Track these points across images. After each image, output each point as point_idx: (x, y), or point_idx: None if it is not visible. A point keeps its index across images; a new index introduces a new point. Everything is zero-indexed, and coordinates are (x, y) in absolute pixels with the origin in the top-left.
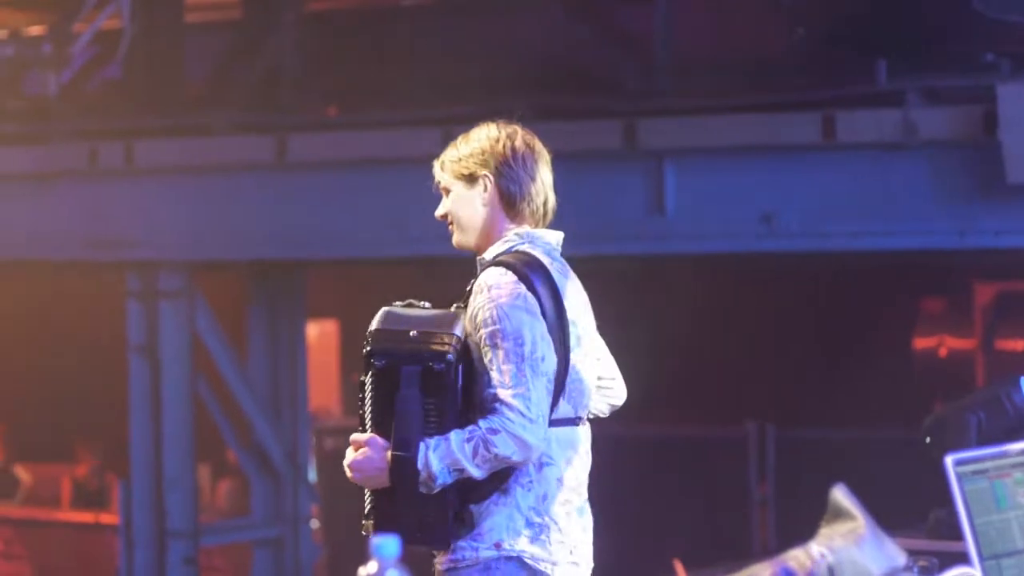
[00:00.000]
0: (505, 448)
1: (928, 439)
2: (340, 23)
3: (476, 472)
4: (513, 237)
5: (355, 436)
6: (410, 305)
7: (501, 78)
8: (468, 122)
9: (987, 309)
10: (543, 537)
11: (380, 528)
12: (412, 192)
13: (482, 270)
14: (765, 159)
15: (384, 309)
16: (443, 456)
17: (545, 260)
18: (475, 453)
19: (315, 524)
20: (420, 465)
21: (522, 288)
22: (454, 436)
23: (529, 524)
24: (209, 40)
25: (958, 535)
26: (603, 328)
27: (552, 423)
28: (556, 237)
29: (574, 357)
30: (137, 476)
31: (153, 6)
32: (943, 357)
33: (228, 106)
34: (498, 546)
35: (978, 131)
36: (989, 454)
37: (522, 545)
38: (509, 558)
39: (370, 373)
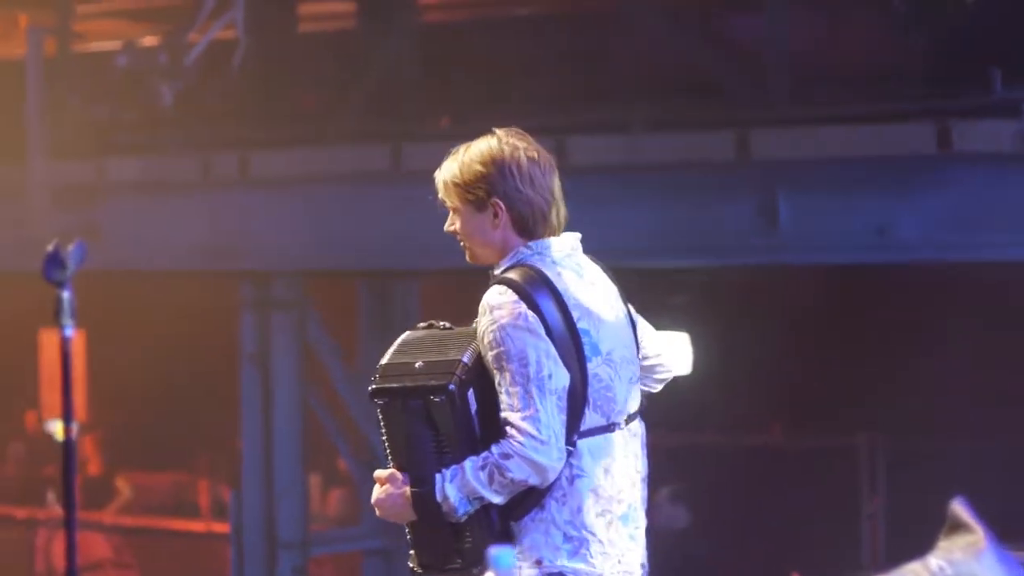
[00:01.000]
0: (519, 472)
1: None
2: (454, 33)
3: (495, 498)
4: (523, 250)
5: (377, 473)
6: (431, 327)
7: (613, 88)
8: (580, 132)
9: None
10: (583, 551)
11: (422, 560)
12: None
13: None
14: (879, 170)
15: (401, 338)
16: (460, 486)
17: (551, 272)
18: (491, 480)
19: None
20: (439, 498)
21: (523, 307)
22: (468, 465)
23: (567, 539)
24: (323, 50)
25: None
26: (711, 339)
27: (581, 435)
28: (571, 241)
29: (592, 366)
30: (248, 485)
31: (267, 16)
32: None
33: (342, 116)
34: (539, 563)
35: None
36: None
37: (562, 561)
38: (551, 574)
39: (378, 409)
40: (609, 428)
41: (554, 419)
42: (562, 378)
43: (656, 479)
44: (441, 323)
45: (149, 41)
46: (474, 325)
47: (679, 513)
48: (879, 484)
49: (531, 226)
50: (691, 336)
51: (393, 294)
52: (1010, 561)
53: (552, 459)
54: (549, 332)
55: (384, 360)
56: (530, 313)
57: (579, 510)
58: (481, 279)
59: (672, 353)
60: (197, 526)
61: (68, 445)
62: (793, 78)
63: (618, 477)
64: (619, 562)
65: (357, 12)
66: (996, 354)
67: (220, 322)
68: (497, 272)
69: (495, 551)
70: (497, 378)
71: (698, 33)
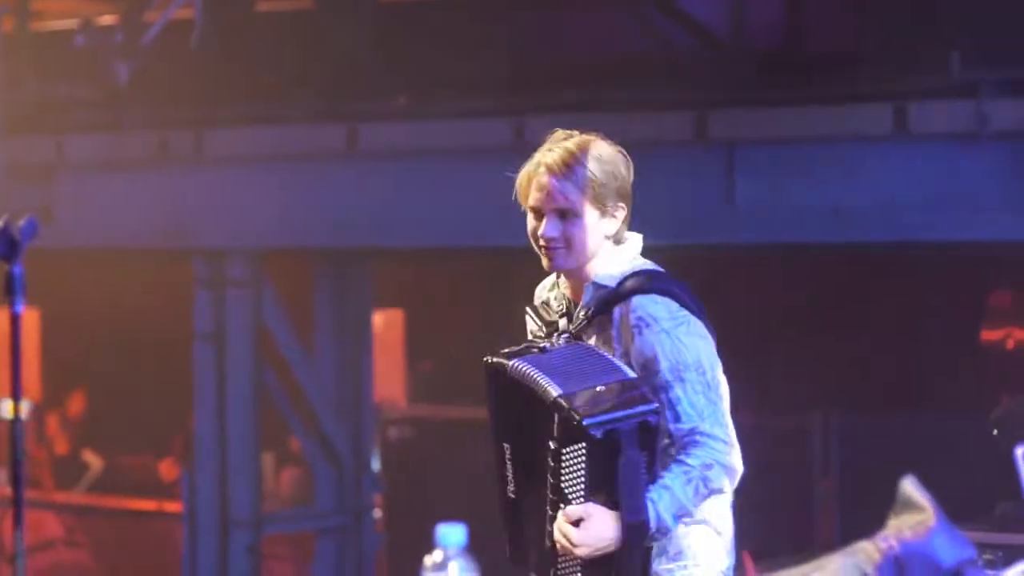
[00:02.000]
0: (719, 480)
1: (996, 431)
2: (412, 12)
3: (695, 511)
4: (631, 253)
5: (571, 510)
6: (526, 350)
7: (571, 69)
8: (538, 112)
9: None
10: (730, 548)
11: None
12: (481, 182)
13: (601, 296)
14: (836, 150)
15: (523, 366)
16: (670, 507)
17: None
18: (695, 493)
19: (378, 514)
20: (654, 524)
21: (685, 312)
22: (673, 482)
23: (719, 533)
24: (280, 29)
25: None
26: None
27: None
28: (640, 239)
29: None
30: (201, 465)
31: None
32: (1010, 349)
33: (299, 95)
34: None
35: None
36: None
37: (723, 562)
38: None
39: (580, 443)
40: None
41: (731, 423)
42: (725, 383)
43: None
44: (540, 344)
45: (106, 20)
46: (561, 338)
47: None
48: (832, 464)
49: (624, 232)
50: None
51: (346, 273)
52: (959, 539)
53: (740, 462)
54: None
55: (557, 392)
56: (694, 319)
57: (723, 508)
58: (434, 260)
59: None
60: (149, 505)
61: (16, 424)
62: (752, 60)
63: None
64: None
65: None
66: (948, 333)
67: (177, 300)
68: (608, 280)
69: (443, 529)
70: (673, 391)
71: (657, 14)
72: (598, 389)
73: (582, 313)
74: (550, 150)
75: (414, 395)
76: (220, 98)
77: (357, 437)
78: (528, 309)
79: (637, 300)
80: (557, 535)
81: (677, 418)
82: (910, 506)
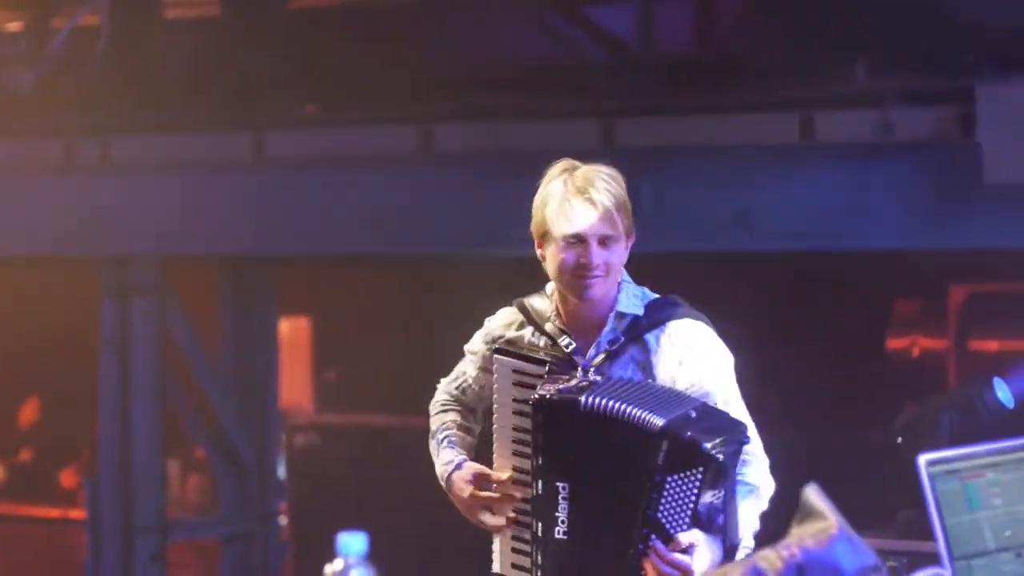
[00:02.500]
0: (768, 496)
1: (900, 439)
2: (320, 20)
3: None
4: (627, 279)
5: (683, 537)
6: (580, 385)
7: (479, 77)
8: (446, 120)
9: (961, 310)
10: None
11: None
12: (388, 190)
13: (630, 323)
14: (742, 159)
15: (595, 399)
16: (750, 526)
17: None
18: (758, 510)
19: (284, 521)
20: (745, 542)
21: (717, 336)
22: (746, 505)
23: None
24: (188, 37)
25: (928, 535)
26: None
27: None
28: None
29: None
30: (105, 471)
31: (132, 2)
32: (916, 357)
33: (206, 103)
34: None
35: (956, 132)
36: (961, 455)
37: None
38: None
39: (699, 468)
40: None
41: None
42: None
43: None
44: (590, 378)
45: (12, 27)
46: (595, 368)
47: None
48: None
49: None
50: None
51: (252, 281)
52: (861, 547)
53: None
54: None
55: (658, 421)
56: (722, 342)
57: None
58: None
59: None
60: (53, 512)
61: None
62: (660, 68)
63: None
64: None
65: None
66: (854, 341)
67: (83, 308)
68: (631, 310)
69: (344, 537)
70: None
71: (565, 21)
72: (692, 415)
73: (610, 347)
74: (574, 177)
75: (321, 403)
76: (126, 105)
77: (262, 445)
78: (499, 348)
79: (676, 326)
80: (665, 568)
81: None
82: (812, 514)
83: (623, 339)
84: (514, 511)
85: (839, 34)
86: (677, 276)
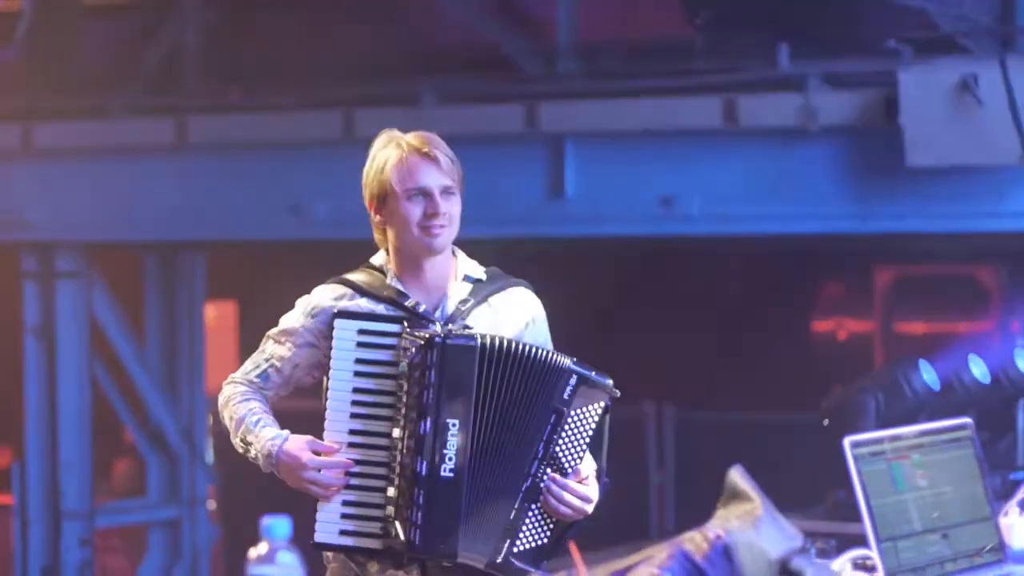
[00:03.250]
0: None
1: (827, 421)
2: (242, 4)
3: None
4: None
5: (583, 468)
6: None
7: (401, 61)
8: (369, 104)
9: (886, 293)
10: None
11: (545, 557)
12: (312, 174)
13: (476, 287)
14: (666, 143)
15: (502, 340)
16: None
17: None
18: None
19: (212, 505)
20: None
21: None
22: None
23: None
24: (109, 21)
25: (857, 516)
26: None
27: None
28: None
29: None
30: (32, 457)
31: None
32: (842, 340)
33: (128, 88)
34: None
35: (879, 116)
36: (887, 436)
37: None
38: None
39: (602, 403)
40: None
41: None
42: None
43: None
44: (469, 331)
45: None
46: (455, 327)
47: None
48: (667, 454)
49: None
50: None
51: (178, 266)
52: (786, 529)
53: None
54: None
55: (566, 359)
56: None
57: None
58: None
59: None
60: None
61: None
62: (582, 51)
63: None
64: None
65: None
66: (780, 324)
67: (7, 292)
68: (477, 273)
69: (269, 521)
70: None
71: (488, 5)
72: (574, 358)
73: (461, 306)
74: (405, 140)
75: None
76: (48, 91)
77: (190, 428)
78: (341, 312)
79: (517, 292)
80: (566, 498)
81: None
82: (738, 496)
83: (472, 300)
84: (352, 474)
85: (761, 18)
86: (601, 259)
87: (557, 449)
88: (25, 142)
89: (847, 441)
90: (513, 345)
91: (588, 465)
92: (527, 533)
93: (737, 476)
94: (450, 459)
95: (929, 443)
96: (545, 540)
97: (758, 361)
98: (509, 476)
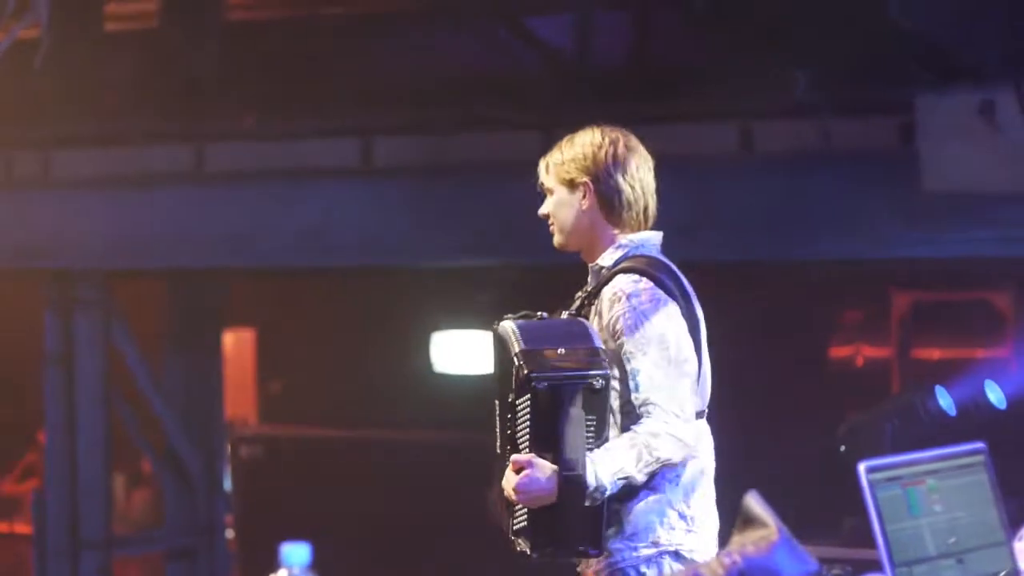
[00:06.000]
0: (666, 450)
1: (843, 447)
2: (260, 33)
3: (640, 477)
4: (627, 243)
5: (516, 457)
6: (527, 316)
7: (421, 89)
8: (388, 133)
9: (904, 318)
10: (695, 528)
11: (540, 544)
12: (331, 202)
13: (600, 278)
14: (682, 169)
15: (510, 325)
16: (610, 467)
17: (665, 261)
18: (639, 459)
19: (230, 533)
20: (590, 479)
21: (660, 292)
22: (616, 446)
23: (682, 517)
24: (128, 50)
25: (872, 543)
26: None
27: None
28: (658, 238)
29: (703, 353)
30: (51, 486)
31: (71, 15)
32: (860, 366)
33: (146, 116)
34: (656, 543)
35: (895, 141)
36: (902, 461)
37: (679, 539)
38: (667, 553)
39: (527, 394)
40: (702, 414)
41: (690, 399)
42: (695, 362)
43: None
44: (539, 313)
45: None
46: (566, 313)
47: None
48: None
49: (616, 210)
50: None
51: (196, 294)
52: (802, 554)
53: (693, 436)
54: (682, 316)
55: (521, 346)
56: (667, 297)
57: (693, 489)
58: (284, 280)
59: None
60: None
61: None
62: (598, 79)
63: (713, 460)
64: (714, 537)
65: (162, 11)
66: (799, 349)
67: (28, 321)
68: (605, 264)
69: (287, 548)
70: (635, 363)
71: (505, 34)
72: (559, 351)
73: (581, 294)
74: None
75: (265, 414)
76: (67, 119)
77: (208, 457)
78: None
79: (618, 278)
80: (504, 483)
81: (636, 388)
82: (753, 521)
83: (590, 291)
84: None
85: (778, 44)
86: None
87: (516, 435)
88: (44, 170)
89: (862, 466)
90: (507, 327)
91: (526, 457)
92: (516, 513)
93: (753, 501)
94: (497, 437)
95: (944, 468)
96: (524, 523)
97: (776, 387)
98: (504, 456)
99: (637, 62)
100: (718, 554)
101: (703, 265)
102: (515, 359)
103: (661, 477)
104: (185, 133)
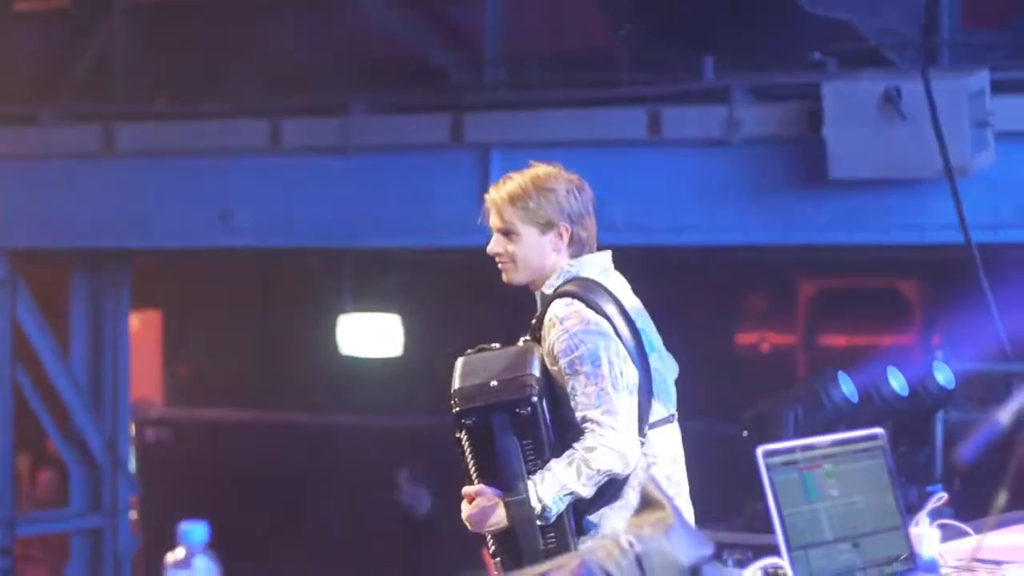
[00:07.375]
0: (605, 462)
1: (746, 433)
2: (171, 13)
3: (585, 491)
4: (567, 267)
5: (466, 489)
6: (481, 350)
7: (331, 71)
8: (297, 114)
9: (810, 305)
10: None
11: (509, 567)
12: (239, 183)
13: (545, 304)
14: (590, 153)
15: (460, 361)
16: (551, 487)
17: (603, 279)
18: (579, 474)
19: (134, 515)
20: (534, 502)
21: (589, 313)
22: (555, 464)
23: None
24: (38, 29)
25: (773, 528)
26: (427, 320)
27: (651, 426)
28: (605, 257)
29: (652, 361)
30: None
31: None
32: (765, 352)
33: (56, 96)
34: None
35: (802, 128)
36: (799, 446)
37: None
38: None
39: (462, 431)
40: (669, 419)
41: (629, 411)
42: (632, 374)
43: (394, 461)
44: (492, 344)
45: None
46: (522, 340)
47: (421, 494)
48: None
49: (584, 245)
50: (405, 318)
51: (103, 274)
52: (697, 537)
53: (631, 446)
54: (616, 333)
55: (456, 385)
56: (597, 317)
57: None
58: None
59: None
60: None
61: None
62: (508, 63)
63: (680, 465)
64: None
65: None
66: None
67: None
68: (548, 291)
69: (186, 526)
70: (571, 383)
71: (417, 16)
72: (492, 383)
73: (533, 321)
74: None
75: (171, 397)
76: None
77: (113, 438)
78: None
79: (554, 303)
80: (462, 514)
81: (576, 406)
82: (650, 504)
83: (537, 317)
84: None
85: (687, 31)
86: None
87: (470, 468)
88: None
89: (760, 451)
90: (456, 365)
91: (474, 488)
92: (487, 541)
93: (651, 485)
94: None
95: (841, 453)
96: (494, 548)
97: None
98: None
99: (548, 47)
100: (616, 536)
101: (610, 248)
102: (452, 397)
103: (625, 484)
104: (94, 113)
